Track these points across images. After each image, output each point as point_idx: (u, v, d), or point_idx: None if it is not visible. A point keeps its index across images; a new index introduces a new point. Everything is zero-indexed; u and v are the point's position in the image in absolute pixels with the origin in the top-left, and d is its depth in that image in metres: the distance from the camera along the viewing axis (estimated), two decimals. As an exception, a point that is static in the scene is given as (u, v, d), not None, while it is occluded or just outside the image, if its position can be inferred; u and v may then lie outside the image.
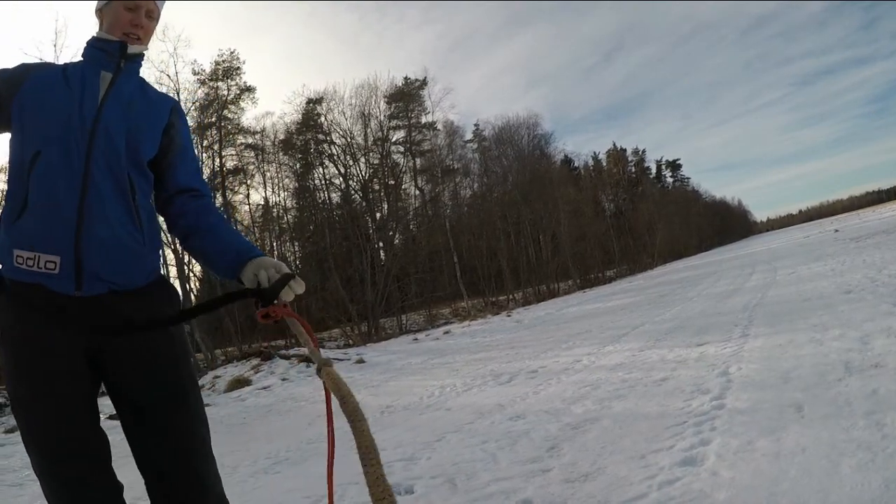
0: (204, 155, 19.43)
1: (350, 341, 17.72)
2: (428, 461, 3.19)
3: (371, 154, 24.76)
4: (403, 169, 26.51)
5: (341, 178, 24.51)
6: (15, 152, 1.35)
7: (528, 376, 5.47)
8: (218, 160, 20.28)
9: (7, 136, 1.40)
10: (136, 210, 1.39)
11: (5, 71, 1.39)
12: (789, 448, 2.34)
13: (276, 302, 1.32)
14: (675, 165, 72.08)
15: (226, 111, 20.80)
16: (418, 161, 27.51)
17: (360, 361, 9.99)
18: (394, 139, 26.33)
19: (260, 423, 5.90)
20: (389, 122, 25.57)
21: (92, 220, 1.31)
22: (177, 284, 15.42)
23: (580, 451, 2.88)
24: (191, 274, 18.05)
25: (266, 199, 25.54)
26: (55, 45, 13.17)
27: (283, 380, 8.58)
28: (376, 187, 25.21)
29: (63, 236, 1.29)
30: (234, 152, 22.18)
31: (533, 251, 30.48)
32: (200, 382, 5.10)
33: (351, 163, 24.05)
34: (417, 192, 27.28)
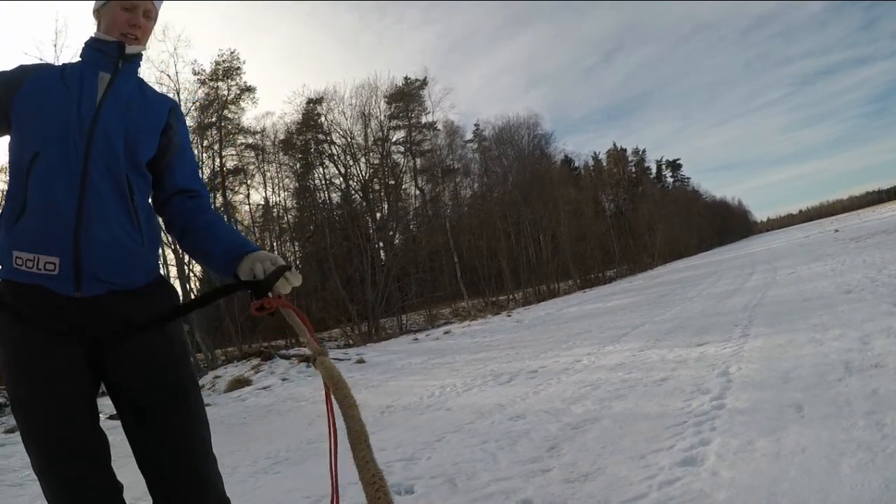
0: (204, 155, 19.44)
1: (350, 341, 17.72)
2: (428, 461, 3.19)
3: (371, 154, 24.78)
4: (404, 169, 26.54)
5: (341, 178, 24.55)
6: (14, 153, 1.36)
7: (528, 376, 5.47)
8: (218, 160, 20.30)
9: (7, 137, 1.40)
10: (134, 210, 1.39)
11: (3, 73, 1.39)
12: (789, 448, 2.34)
13: (270, 294, 1.31)
14: (675, 165, 72.10)
15: (226, 111, 20.80)
16: (418, 161, 27.53)
17: (361, 361, 9.99)
18: (394, 139, 26.36)
19: (260, 423, 5.90)
20: (389, 122, 25.59)
21: (90, 221, 1.31)
22: (177, 284, 15.45)
23: (580, 451, 2.89)
24: (191, 274, 18.05)
25: (266, 199, 25.58)
26: (55, 45, 13.17)
27: (284, 380, 8.58)
28: (376, 187, 25.22)
29: (62, 237, 1.29)
30: (234, 152, 22.21)
31: (533, 251, 30.47)
32: (200, 382, 5.09)
33: (351, 163, 24.08)
34: (418, 192, 27.31)
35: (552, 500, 2.33)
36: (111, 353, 1.36)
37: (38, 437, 1.29)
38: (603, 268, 34.47)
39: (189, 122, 18.10)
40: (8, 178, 1.39)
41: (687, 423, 2.97)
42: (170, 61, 18.69)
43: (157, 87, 1.57)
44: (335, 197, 25.72)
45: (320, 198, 25.53)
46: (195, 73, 19.57)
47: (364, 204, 24.61)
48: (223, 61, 21.11)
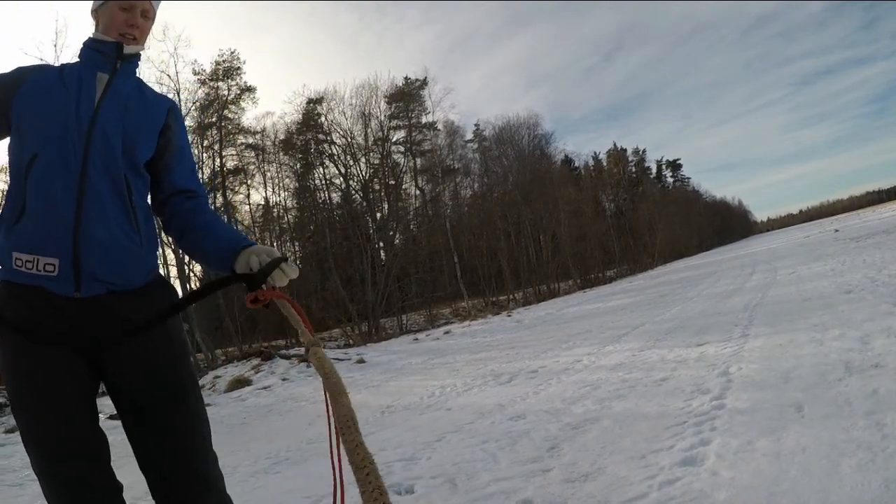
0: (204, 155, 19.44)
1: (350, 341, 17.73)
2: (428, 461, 3.19)
3: (371, 154, 24.79)
4: (404, 169, 26.55)
5: (342, 178, 24.56)
6: (13, 155, 1.36)
7: (528, 376, 5.47)
8: (218, 160, 20.29)
9: (7, 139, 1.40)
10: (132, 211, 1.39)
11: (2, 76, 1.39)
12: (789, 448, 2.34)
13: (264, 287, 1.31)
14: (675, 165, 72.08)
15: (226, 111, 20.79)
16: (419, 161, 27.53)
17: (361, 361, 9.99)
18: (394, 139, 26.37)
19: (260, 423, 5.90)
20: (390, 122, 25.60)
21: (89, 222, 1.31)
22: (177, 284, 15.45)
23: (580, 451, 2.88)
24: (191, 274, 18.06)
25: (266, 199, 25.57)
26: (55, 45, 13.17)
27: (284, 380, 8.59)
28: (377, 187, 25.23)
29: (61, 238, 1.29)
30: (234, 152, 22.19)
31: (533, 251, 30.47)
32: (201, 382, 5.10)
33: (351, 163, 24.10)
34: (418, 192, 27.31)
35: (552, 500, 2.33)
36: (111, 353, 1.36)
37: (38, 437, 1.29)
38: (603, 268, 34.48)
39: (189, 122, 18.12)
40: (8, 178, 1.39)
41: (687, 423, 2.97)
42: (170, 61, 18.70)
43: (157, 87, 1.58)
44: (335, 197, 25.76)
45: (320, 198, 25.55)
46: (195, 73, 19.60)
47: (364, 204, 24.62)
48: (223, 61, 21.11)
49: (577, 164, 47.17)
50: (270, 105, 78.71)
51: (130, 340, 1.36)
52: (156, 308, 1.41)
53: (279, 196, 25.88)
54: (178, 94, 16.81)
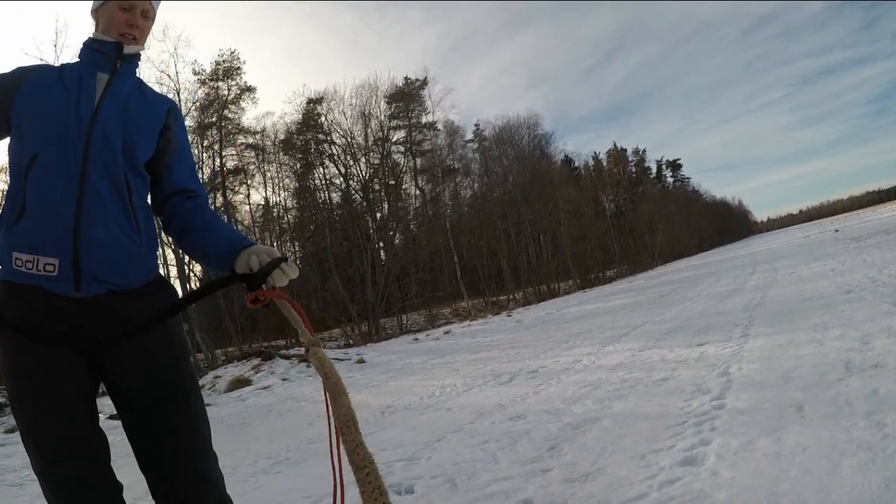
0: (204, 155, 19.44)
1: (350, 341, 17.73)
2: (428, 461, 3.19)
3: (371, 154, 24.80)
4: (404, 169, 26.55)
5: (342, 178, 24.57)
6: (13, 155, 1.36)
7: (528, 376, 5.47)
8: (218, 160, 20.30)
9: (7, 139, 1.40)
10: (132, 211, 1.39)
11: (2, 76, 1.39)
12: (790, 448, 2.34)
13: (264, 287, 1.31)
14: (675, 165, 72.08)
15: (226, 111, 20.80)
16: (419, 161, 27.53)
17: (361, 361, 9.99)
18: (394, 139, 26.38)
19: (260, 423, 5.90)
20: (390, 121, 25.60)
21: (89, 222, 1.31)
22: (177, 284, 15.45)
23: (580, 450, 2.88)
24: (191, 274, 18.06)
25: (266, 199, 25.58)
26: (55, 45, 13.18)
27: (284, 380, 8.59)
28: (377, 187, 25.23)
29: (61, 238, 1.29)
30: (234, 152, 22.20)
31: (533, 251, 30.47)
32: (201, 382, 5.10)
33: (351, 163, 24.10)
34: (418, 192, 27.31)
35: (552, 500, 2.33)
36: (111, 353, 1.36)
37: (38, 437, 1.29)
38: (603, 268, 34.48)
39: (189, 122, 18.12)
40: (8, 178, 1.39)
41: (687, 423, 2.97)
42: (170, 61, 18.72)
43: (157, 87, 1.58)
44: (335, 197, 25.77)
45: (320, 198, 25.55)
46: (195, 73, 19.61)
47: (364, 204, 24.62)
48: (223, 61, 21.12)
49: (577, 164, 47.23)
50: (270, 105, 78.83)
51: (130, 340, 1.36)
52: (156, 308, 1.40)
53: (279, 196, 25.92)
54: (179, 94, 16.84)
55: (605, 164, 54.21)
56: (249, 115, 38.85)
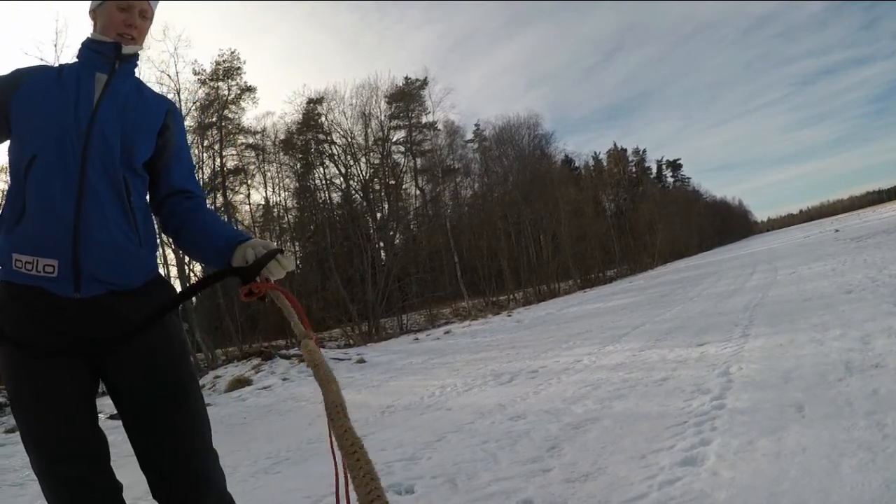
0: (204, 155, 19.43)
1: (351, 341, 17.73)
2: (428, 461, 3.19)
3: (372, 154, 24.80)
4: (404, 169, 26.54)
5: (342, 178, 24.56)
6: (13, 156, 1.36)
7: (528, 376, 5.47)
8: (218, 160, 20.29)
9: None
10: (131, 211, 1.39)
11: (1, 78, 1.39)
12: (790, 448, 2.34)
13: (258, 279, 1.29)
14: (675, 165, 72.07)
15: (226, 111, 20.80)
16: (419, 161, 27.53)
17: (361, 361, 9.99)
18: (394, 139, 26.38)
19: (260, 423, 5.90)
20: (390, 121, 25.60)
21: (89, 222, 1.31)
22: (177, 284, 15.44)
23: (581, 450, 2.88)
24: (191, 274, 18.05)
25: (267, 199, 25.60)
26: (55, 45, 13.16)
27: (284, 380, 8.59)
28: (377, 187, 25.23)
29: (61, 239, 1.29)
30: (234, 152, 22.21)
31: (533, 251, 30.47)
32: (201, 382, 5.09)
33: (351, 163, 24.09)
34: (418, 191, 27.31)
35: (553, 500, 2.33)
36: (111, 353, 1.36)
37: (38, 437, 1.29)
38: (603, 268, 34.47)
39: (189, 122, 18.10)
40: (8, 179, 1.39)
41: (687, 423, 2.97)
42: (170, 61, 18.71)
43: (157, 87, 1.57)
44: (336, 197, 25.76)
45: (321, 198, 25.55)
46: (195, 73, 19.61)
47: (364, 204, 24.62)
48: (223, 61, 21.13)
49: (577, 164, 47.21)
50: (271, 105, 78.83)
51: (130, 341, 1.36)
52: (155, 308, 1.40)
53: (279, 196, 25.94)
54: (179, 94, 16.81)
55: (605, 164, 54.24)
56: (250, 115, 38.88)
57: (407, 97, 26.60)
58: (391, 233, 24.42)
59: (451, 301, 26.30)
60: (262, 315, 20.35)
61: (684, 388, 3.77)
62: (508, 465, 2.88)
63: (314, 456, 3.83)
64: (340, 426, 0.72)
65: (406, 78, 27.41)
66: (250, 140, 23.11)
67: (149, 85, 1.61)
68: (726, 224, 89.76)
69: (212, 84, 20.47)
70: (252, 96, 21.68)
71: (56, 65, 1.45)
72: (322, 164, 24.49)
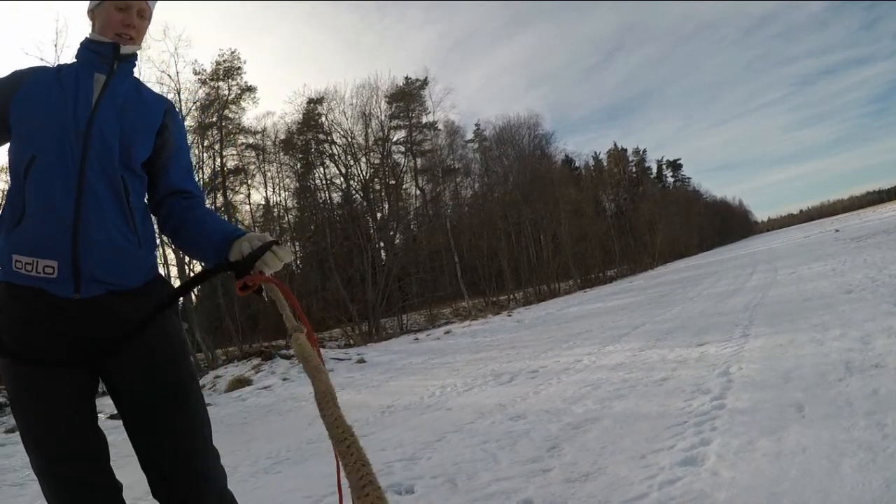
0: (205, 155, 19.42)
1: (351, 341, 17.73)
2: (428, 461, 3.19)
3: (372, 154, 24.81)
4: (404, 169, 26.54)
5: (342, 178, 24.57)
6: (13, 157, 1.36)
7: (528, 376, 5.47)
8: (219, 160, 20.29)
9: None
10: (130, 212, 1.39)
11: (0, 82, 1.39)
12: (790, 448, 2.34)
13: (252, 272, 1.29)
14: (675, 165, 72.09)
15: (227, 111, 20.80)
16: (419, 161, 27.53)
17: (361, 361, 9.99)
18: (395, 139, 26.38)
19: (260, 422, 5.90)
20: (390, 121, 25.60)
21: (88, 223, 1.31)
22: (177, 284, 15.43)
23: (581, 450, 2.88)
24: (191, 273, 18.05)
25: (267, 199, 25.61)
26: (56, 45, 13.18)
27: (284, 380, 8.59)
28: (377, 187, 25.23)
29: (60, 240, 1.29)
30: (234, 152, 22.20)
31: (534, 251, 30.47)
32: (201, 382, 5.10)
33: (352, 163, 24.10)
34: (418, 191, 27.32)
35: (553, 500, 2.33)
36: (111, 354, 1.36)
37: (37, 436, 1.29)
38: (603, 268, 34.48)
39: (190, 121, 18.09)
40: (8, 178, 1.39)
41: (687, 423, 2.97)
42: (170, 61, 18.70)
43: (157, 87, 1.57)
44: (336, 197, 25.77)
45: (321, 198, 25.56)
46: (196, 73, 19.61)
47: (365, 204, 24.63)
48: (224, 61, 21.14)
49: (577, 164, 47.22)
50: (271, 105, 78.81)
51: (130, 341, 1.36)
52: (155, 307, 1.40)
53: (280, 196, 25.95)
54: (179, 93, 16.81)
55: (605, 164, 54.25)
56: (250, 114, 38.86)
57: (407, 97, 26.60)
58: (391, 233, 24.43)
59: (451, 301, 26.30)
60: (262, 315, 20.35)
61: (684, 388, 3.77)
62: (508, 465, 2.88)
63: (314, 456, 3.84)
64: (331, 414, 0.72)
65: (406, 78, 27.46)
66: (250, 140, 23.14)
67: (149, 85, 1.61)
68: (726, 224, 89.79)
69: (212, 84, 20.48)
70: (252, 96, 21.72)
71: (55, 65, 1.46)
72: (322, 164, 24.52)
